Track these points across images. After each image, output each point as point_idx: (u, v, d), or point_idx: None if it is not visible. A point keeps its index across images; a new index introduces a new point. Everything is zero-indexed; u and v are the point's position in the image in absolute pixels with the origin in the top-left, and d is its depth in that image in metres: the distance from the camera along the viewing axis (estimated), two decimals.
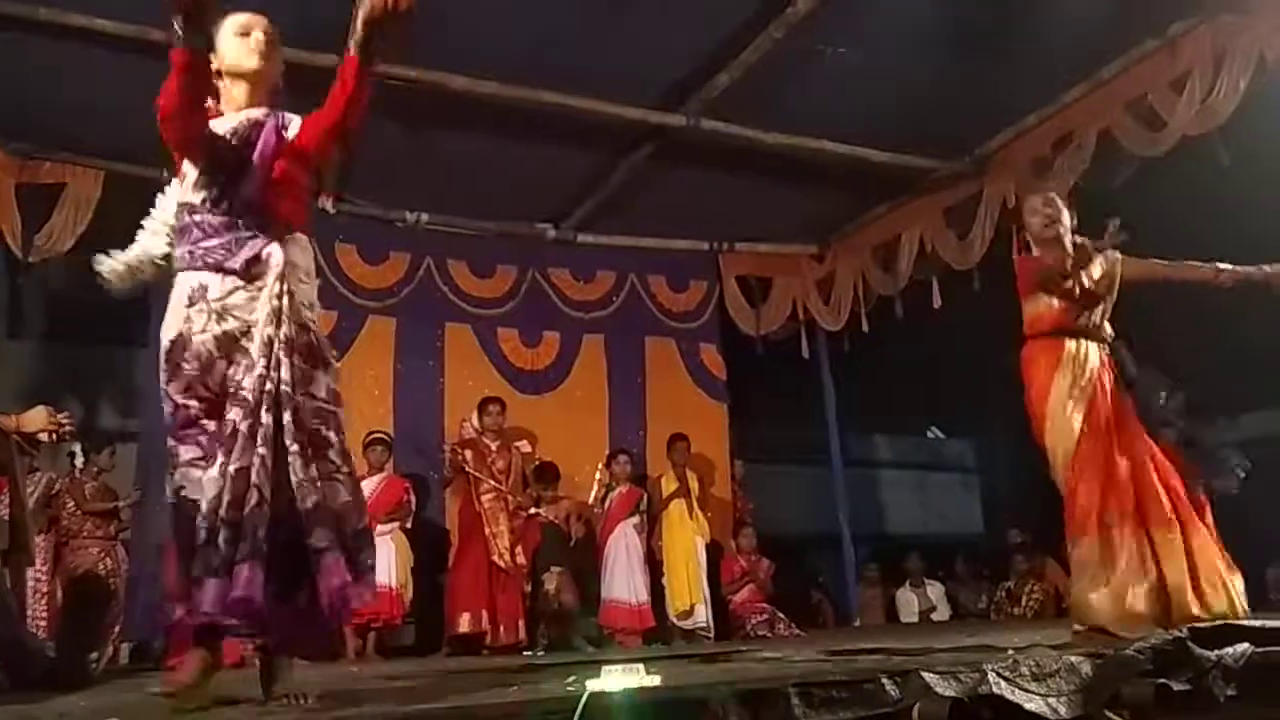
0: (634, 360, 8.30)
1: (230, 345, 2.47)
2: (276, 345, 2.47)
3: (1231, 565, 3.51)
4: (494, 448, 6.85)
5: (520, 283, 8.05)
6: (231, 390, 2.45)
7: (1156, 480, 3.53)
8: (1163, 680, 2.67)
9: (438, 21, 5.34)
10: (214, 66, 2.64)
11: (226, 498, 2.34)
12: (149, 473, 6.12)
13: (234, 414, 2.42)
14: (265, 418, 2.41)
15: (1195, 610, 3.35)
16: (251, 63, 2.65)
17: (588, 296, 8.26)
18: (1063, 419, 3.61)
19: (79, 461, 6.30)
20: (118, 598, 6.10)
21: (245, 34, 2.66)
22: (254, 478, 2.36)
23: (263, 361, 2.45)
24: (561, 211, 7.81)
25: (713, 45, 5.72)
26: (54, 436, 3.82)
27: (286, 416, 2.43)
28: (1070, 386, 3.62)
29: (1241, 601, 3.42)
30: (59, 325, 7.88)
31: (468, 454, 6.78)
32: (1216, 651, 2.82)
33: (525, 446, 7.13)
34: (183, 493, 2.44)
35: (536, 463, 7.15)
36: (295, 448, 2.42)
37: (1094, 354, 3.68)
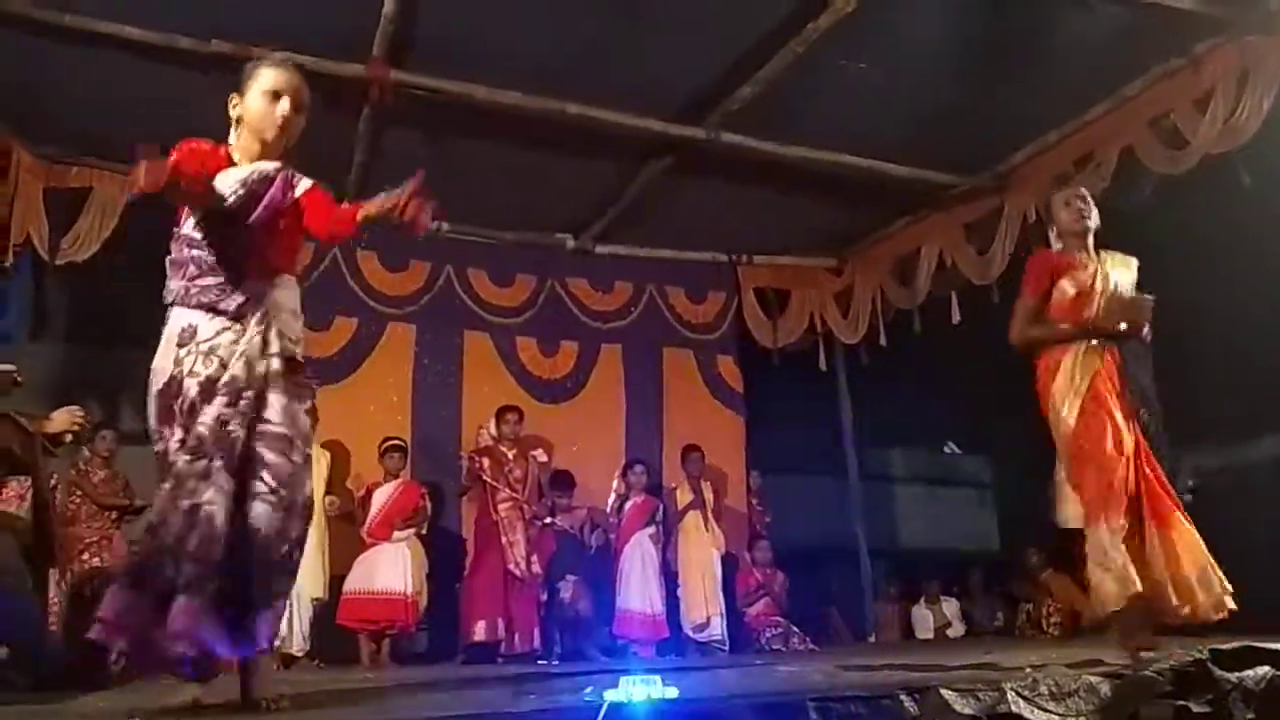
0: (651, 371, 8.31)
1: (211, 387, 2.53)
2: (250, 386, 2.56)
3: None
4: (511, 456, 6.87)
5: (539, 292, 8.07)
6: (224, 434, 2.50)
7: (1151, 475, 3.57)
8: (1182, 702, 2.66)
9: (461, 32, 5.38)
10: (235, 111, 2.72)
11: (195, 540, 2.40)
12: None
13: (209, 452, 2.47)
14: (234, 459, 2.50)
15: (1189, 602, 3.38)
16: (271, 135, 2.70)
17: (606, 307, 8.28)
18: (1060, 415, 3.69)
19: (85, 452, 6.28)
20: None
21: (275, 98, 2.69)
22: (218, 519, 2.43)
23: (228, 401, 2.52)
24: (581, 222, 7.83)
25: (734, 58, 5.73)
26: (76, 437, 3.86)
27: (255, 453, 2.53)
28: (1068, 385, 3.68)
29: (1228, 593, 3.43)
30: (83, 328, 7.95)
31: (485, 462, 6.80)
32: (1237, 674, 2.81)
33: (542, 455, 7.15)
34: (154, 525, 2.49)
35: (553, 471, 7.17)
36: (259, 489, 2.52)
37: (1097, 350, 3.71)
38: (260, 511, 2.51)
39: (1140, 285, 3.87)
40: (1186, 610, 3.39)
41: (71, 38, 5.23)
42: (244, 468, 2.52)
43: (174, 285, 2.62)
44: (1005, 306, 6.59)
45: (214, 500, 2.43)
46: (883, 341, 8.20)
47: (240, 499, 2.49)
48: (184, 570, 2.37)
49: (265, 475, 2.53)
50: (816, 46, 5.41)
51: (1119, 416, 3.61)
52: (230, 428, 2.50)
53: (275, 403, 2.59)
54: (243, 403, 2.53)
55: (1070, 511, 3.73)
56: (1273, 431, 5.96)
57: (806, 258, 8.63)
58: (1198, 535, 3.49)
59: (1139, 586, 3.41)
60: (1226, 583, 3.41)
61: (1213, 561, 3.44)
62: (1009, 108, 6.17)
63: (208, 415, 2.50)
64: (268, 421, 2.57)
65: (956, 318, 7.55)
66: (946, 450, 14.21)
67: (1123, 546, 3.47)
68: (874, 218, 7.91)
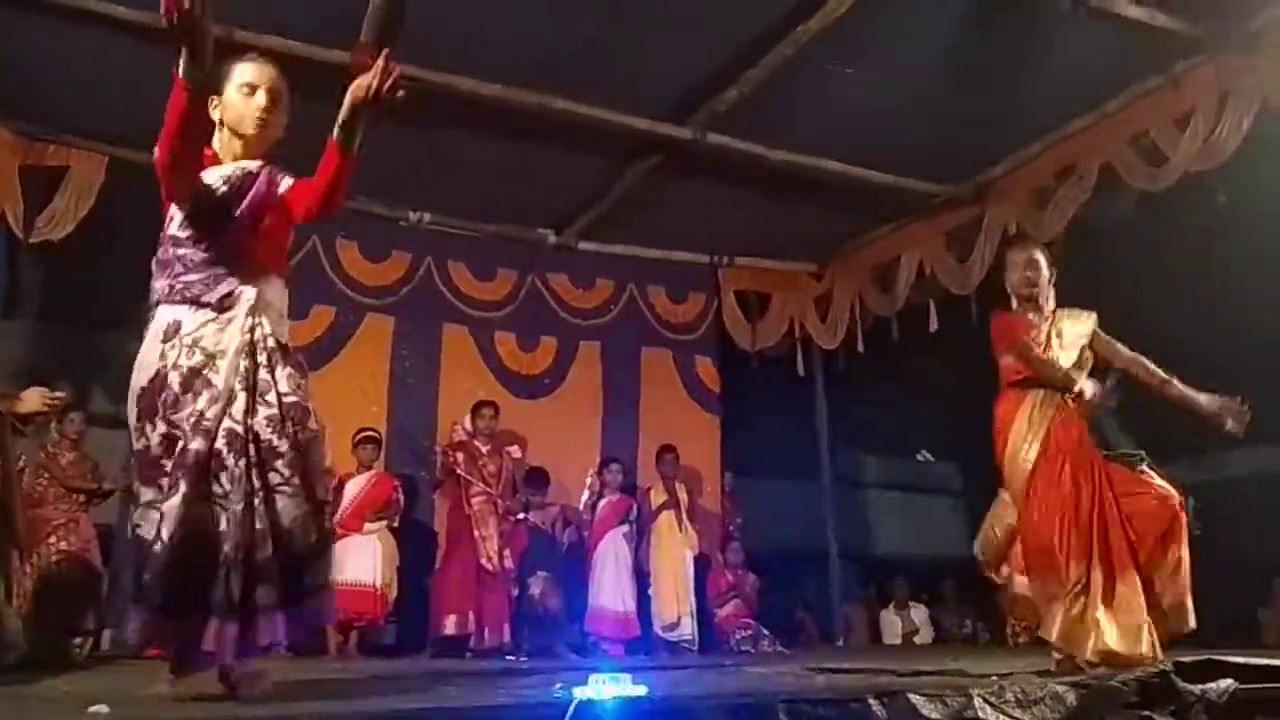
0: (629, 369, 8.31)
1: (193, 378, 2.48)
2: (258, 376, 2.52)
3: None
4: (485, 451, 6.84)
5: (520, 287, 8.05)
6: (203, 425, 2.43)
7: (1116, 520, 3.54)
8: (1147, 713, 2.68)
9: (448, 23, 5.36)
10: (216, 113, 2.67)
11: (236, 536, 2.36)
12: None
13: (219, 444, 2.43)
14: (251, 452, 2.46)
15: (1142, 650, 3.36)
16: (250, 130, 2.66)
17: (586, 304, 8.28)
18: (1017, 460, 3.68)
19: (53, 434, 6.14)
20: (100, 580, 6.05)
21: (251, 92, 2.66)
22: (257, 516, 2.40)
23: (244, 395, 2.48)
24: (564, 218, 7.83)
25: (723, 60, 5.75)
26: (49, 417, 3.82)
27: (264, 450, 2.47)
28: (1026, 429, 3.68)
29: (1154, 653, 3.40)
30: (56, 308, 7.86)
31: (459, 456, 6.77)
32: (1201, 686, 2.84)
33: (516, 451, 7.12)
34: (139, 530, 2.47)
35: (527, 468, 7.15)
36: (274, 482, 2.47)
37: (1056, 399, 3.71)
38: (281, 503, 2.47)
39: (1106, 313, 3.87)
40: (1145, 650, 3.37)
41: (54, 13, 5.17)
42: (255, 456, 2.47)
43: (159, 285, 2.59)
44: (983, 317, 6.70)
45: (199, 499, 2.38)
46: (860, 348, 8.24)
47: (256, 489, 2.44)
48: (180, 578, 2.33)
49: (278, 464, 2.49)
50: (805, 50, 5.43)
51: (1075, 464, 3.60)
52: (208, 421, 2.44)
53: (281, 377, 2.56)
54: (228, 393, 2.48)
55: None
56: (1249, 445, 6.04)
57: (788, 262, 8.67)
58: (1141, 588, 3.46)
59: (1092, 645, 3.40)
60: (1156, 644, 3.38)
61: (1149, 621, 3.41)
62: (992, 119, 6.22)
63: (188, 409, 2.46)
64: (279, 397, 2.53)
65: (934, 326, 7.60)
66: (920, 457, 14.31)
67: (1066, 602, 3.46)
68: (856, 224, 7.96)
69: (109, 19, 5.16)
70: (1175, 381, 3.70)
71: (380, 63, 2.50)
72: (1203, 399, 3.66)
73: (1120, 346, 3.81)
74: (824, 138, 6.47)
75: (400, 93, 2.51)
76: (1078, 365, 3.75)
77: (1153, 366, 3.75)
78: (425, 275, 7.75)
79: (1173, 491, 3.54)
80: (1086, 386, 3.61)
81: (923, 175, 7.05)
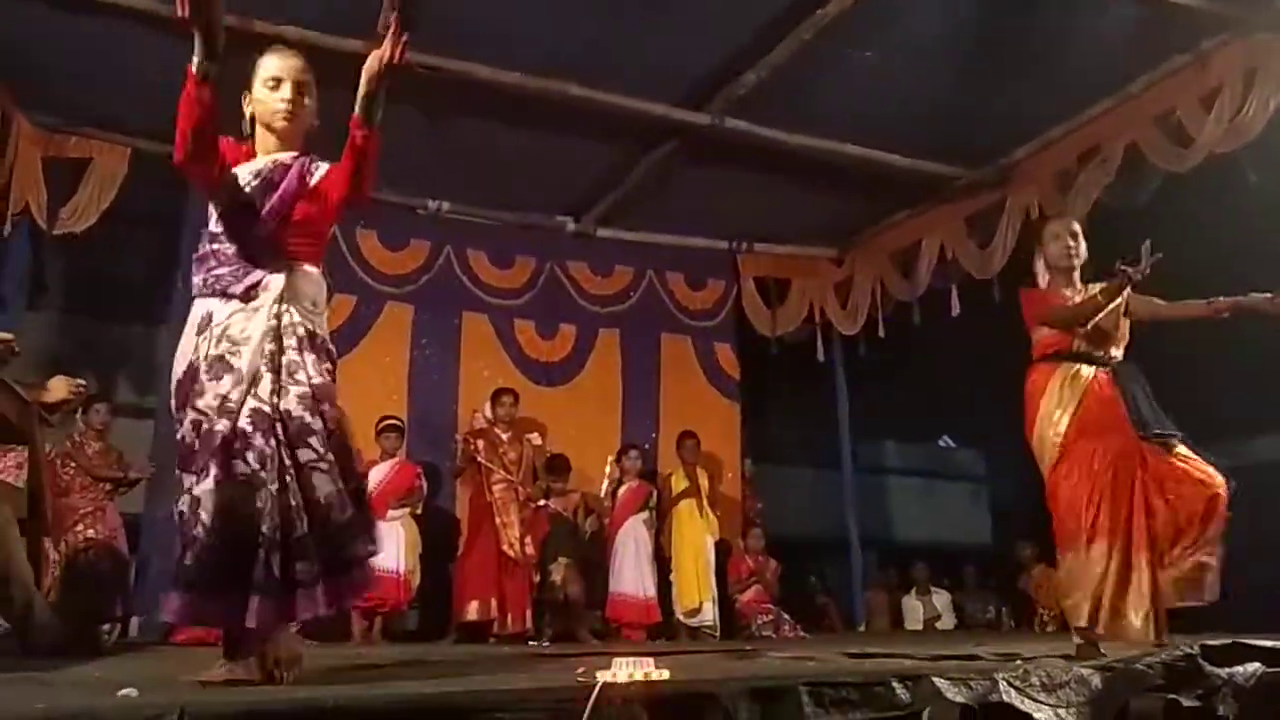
0: (649, 356, 8.31)
1: (216, 363, 2.52)
2: (284, 358, 2.55)
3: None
4: (506, 438, 6.87)
5: (539, 274, 8.06)
6: (227, 406, 2.47)
7: (1142, 507, 3.49)
8: (1173, 696, 2.67)
9: (464, 11, 5.35)
10: (249, 109, 2.71)
11: (274, 516, 2.39)
12: (165, 449, 6.12)
13: (244, 424, 2.46)
14: (280, 430, 2.49)
15: (1149, 633, 3.34)
16: (279, 123, 2.68)
17: (605, 291, 8.27)
18: (1046, 437, 3.64)
19: (79, 424, 6.21)
20: (129, 568, 6.12)
21: (276, 85, 2.68)
22: (291, 493, 2.44)
23: (269, 376, 2.52)
24: (582, 205, 7.82)
25: (741, 44, 5.71)
26: (74, 406, 3.85)
27: (297, 429, 2.51)
28: (1056, 401, 3.63)
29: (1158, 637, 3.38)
30: (80, 299, 7.94)
31: (480, 444, 6.79)
32: (1227, 670, 2.82)
33: (536, 439, 7.14)
34: (178, 514, 2.50)
35: (548, 455, 7.17)
36: (306, 459, 2.50)
37: (1088, 373, 3.67)
38: (316, 480, 2.50)
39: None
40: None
41: (75, 6, 5.20)
42: (284, 435, 2.50)
43: (195, 280, 2.64)
44: (1005, 302, 6.66)
45: (231, 479, 2.42)
46: (881, 333, 8.20)
47: (288, 467, 2.47)
48: (216, 555, 2.37)
49: (312, 441, 2.52)
50: (824, 34, 5.39)
51: (1112, 446, 3.54)
52: (231, 403, 2.48)
53: (308, 360, 2.59)
54: (252, 375, 2.51)
55: None
56: (1276, 431, 5.97)
57: (807, 247, 8.63)
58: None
59: (1116, 621, 3.38)
60: (1161, 627, 3.37)
61: (1154, 606, 3.38)
62: (1014, 101, 6.16)
63: (210, 393, 2.50)
64: (309, 377, 2.56)
65: (956, 311, 7.54)
66: (941, 443, 14.27)
67: (1095, 573, 3.42)
68: (876, 208, 7.90)
69: (131, 11, 5.18)
70: (1222, 299, 3.64)
71: (392, 29, 2.53)
72: (1263, 299, 3.58)
73: (1157, 301, 3.73)
74: (843, 122, 6.43)
75: (407, 56, 2.56)
76: (1116, 333, 3.70)
77: (1198, 301, 3.69)
78: (444, 264, 7.76)
79: (1213, 475, 3.44)
80: (1129, 270, 3.47)
81: (944, 159, 6.99)
